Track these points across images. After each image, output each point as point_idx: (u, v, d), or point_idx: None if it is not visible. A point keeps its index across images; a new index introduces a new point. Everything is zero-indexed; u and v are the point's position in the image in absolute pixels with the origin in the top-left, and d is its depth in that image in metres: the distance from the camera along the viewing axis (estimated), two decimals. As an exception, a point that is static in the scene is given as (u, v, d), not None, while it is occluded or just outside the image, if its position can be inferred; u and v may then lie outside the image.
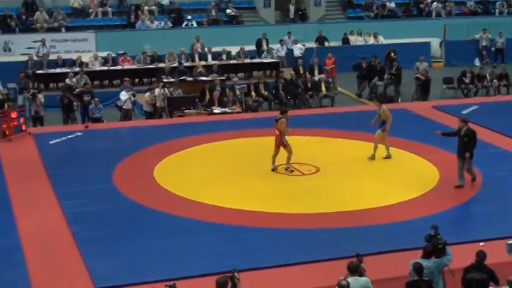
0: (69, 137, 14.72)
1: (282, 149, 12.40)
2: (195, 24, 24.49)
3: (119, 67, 20.80)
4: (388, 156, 12.60)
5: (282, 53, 23.09)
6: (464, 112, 15.63)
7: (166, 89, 17.79)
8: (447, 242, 7.62)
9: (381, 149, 12.97)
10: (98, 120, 16.76)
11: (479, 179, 11.64)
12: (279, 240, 9.59)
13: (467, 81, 20.10)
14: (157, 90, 17.69)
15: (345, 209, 10.60)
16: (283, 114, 12.26)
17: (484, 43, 24.29)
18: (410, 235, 9.39)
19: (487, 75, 20.27)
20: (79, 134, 14.98)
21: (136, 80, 21.03)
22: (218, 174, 12.42)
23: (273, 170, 12.35)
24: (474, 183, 11.41)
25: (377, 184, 11.84)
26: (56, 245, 9.51)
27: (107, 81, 20.93)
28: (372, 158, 12.76)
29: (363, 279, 7.31)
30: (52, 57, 20.79)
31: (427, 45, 23.91)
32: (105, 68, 20.67)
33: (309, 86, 19.74)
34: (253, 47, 22.82)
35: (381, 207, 10.71)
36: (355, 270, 7.28)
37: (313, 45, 23.61)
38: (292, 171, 12.22)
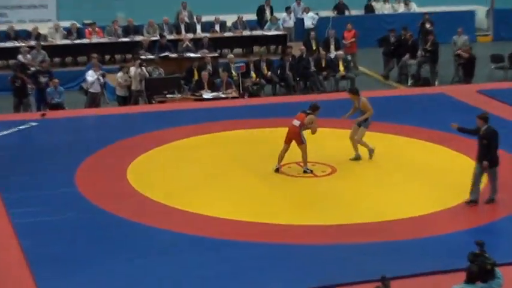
0: (20, 127, 14.70)
1: (292, 145, 12.35)
2: (180, -13, 24.96)
3: (85, 40, 20.76)
4: (357, 157, 12.80)
5: (290, 23, 23.12)
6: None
7: (144, 68, 17.77)
8: (496, 262, 7.51)
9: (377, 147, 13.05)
10: (58, 106, 16.73)
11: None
12: (284, 259, 9.54)
13: (521, 59, 20.41)
14: (132, 70, 17.67)
15: (366, 220, 10.56)
16: (314, 111, 12.40)
17: (542, 12, 24.75)
18: (448, 254, 9.37)
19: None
20: (33, 124, 14.94)
21: (107, 57, 21.01)
22: (209, 175, 12.39)
23: (276, 170, 12.37)
24: (493, 202, 11.04)
25: (406, 188, 11.81)
26: (0, 265, 9.40)
27: (69, 58, 20.85)
28: (357, 158, 12.90)
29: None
30: (1, 27, 20.76)
31: (470, 14, 23.94)
32: (67, 41, 20.63)
33: (323, 65, 19.70)
34: (253, 16, 22.83)
35: (411, 218, 10.65)
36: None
37: (329, 14, 23.61)
38: (311, 171, 12.34)
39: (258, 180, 12.16)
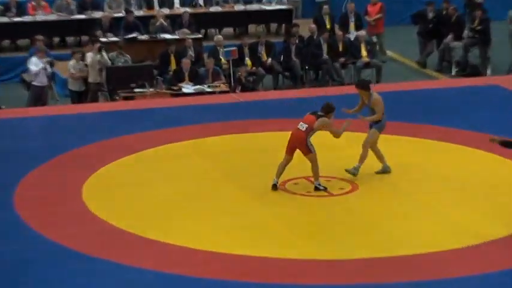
0: None
1: (299, 155, 12.39)
2: None
3: (27, 18, 20.75)
4: (355, 172, 12.75)
5: (296, -5, 23.69)
6: None
7: (104, 53, 17.82)
8: None
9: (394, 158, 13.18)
10: (-9, 105, 17.15)
11: None
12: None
13: None
14: (89, 56, 17.72)
15: (398, 253, 10.47)
16: (328, 113, 12.42)
17: None
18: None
19: None
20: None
21: (56, 40, 21.17)
22: (190, 195, 12.37)
23: (273, 187, 12.36)
24: None
25: (450, 212, 11.76)
26: None
27: (7, 42, 20.98)
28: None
29: None
30: None
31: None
32: (4, 19, 20.63)
33: (340, 48, 19.73)
34: (248, -14, 23.28)
35: (456, 249, 10.57)
36: None
37: (347, -19, 24.22)
38: (325, 189, 12.37)
39: (255, 200, 12.10)
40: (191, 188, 12.56)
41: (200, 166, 13.42)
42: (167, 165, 13.45)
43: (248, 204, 12.02)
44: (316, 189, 12.34)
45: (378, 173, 12.96)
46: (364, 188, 12.50)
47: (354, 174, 12.77)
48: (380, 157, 12.97)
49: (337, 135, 12.55)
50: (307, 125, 12.21)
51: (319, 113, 12.38)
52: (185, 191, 12.45)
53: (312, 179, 12.43)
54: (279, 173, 12.39)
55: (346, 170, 12.76)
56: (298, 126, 12.27)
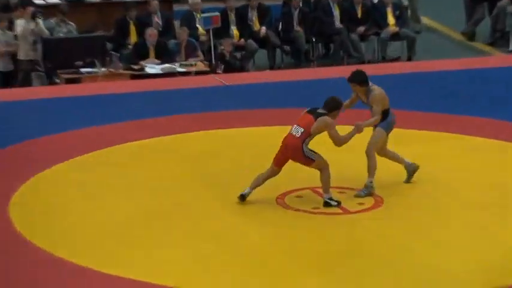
0: None
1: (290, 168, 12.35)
2: None
3: None
4: (367, 193, 12.75)
5: None
6: None
7: (40, 20, 17.85)
8: None
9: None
10: None
11: None
12: None
13: None
14: (20, 25, 17.75)
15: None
16: (332, 111, 12.30)
17: None
18: None
19: None
20: None
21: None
22: (153, 210, 12.26)
23: (241, 197, 12.34)
24: None
25: (499, 232, 11.65)
26: None
27: None
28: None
29: None
30: None
31: None
32: None
33: (359, 14, 19.92)
34: None
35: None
36: None
37: None
38: (338, 204, 12.31)
39: (243, 220, 11.98)
40: (155, 203, 12.40)
41: (168, 173, 13.39)
42: (124, 172, 13.43)
43: (234, 224, 11.87)
44: (327, 204, 12.22)
45: (407, 182, 12.93)
46: (390, 201, 12.33)
47: (368, 195, 12.64)
48: (396, 159, 12.94)
49: (338, 142, 12.33)
50: (303, 129, 12.10)
51: (320, 111, 12.25)
52: (148, 207, 12.29)
53: (321, 191, 12.34)
54: (255, 185, 12.33)
55: (356, 195, 12.61)
56: (292, 131, 12.17)
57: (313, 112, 12.23)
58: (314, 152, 12.18)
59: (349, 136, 12.37)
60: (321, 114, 12.16)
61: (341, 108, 12.38)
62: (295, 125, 12.18)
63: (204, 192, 12.77)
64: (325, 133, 12.23)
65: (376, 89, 12.71)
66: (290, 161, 12.38)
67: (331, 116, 12.20)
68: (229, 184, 12.92)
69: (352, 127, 12.36)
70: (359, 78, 12.72)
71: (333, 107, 12.23)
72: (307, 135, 12.09)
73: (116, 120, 15.35)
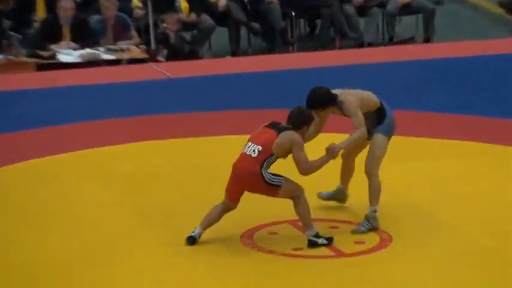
0: None
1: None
2: None
3: None
4: (370, 227, 12.78)
5: None
6: None
7: None
8: None
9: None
10: None
11: None
12: None
13: None
14: None
15: None
16: (301, 125, 11.98)
17: None
18: None
19: None
20: None
21: None
22: (70, 256, 11.80)
23: (189, 239, 12.21)
24: None
25: None
26: None
27: None
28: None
29: None
30: None
31: None
32: None
33: None
34: None
35: None
36: None
37: None
38: (328, 242, 11.96)
39: (194, 267, 11.51)
40: (78, 240, 11.89)
41: (90, 199, 13.07)
42: (23, 199, 13.12)
43: (183, 271, 11.43)
44: (312, 244, 11.54)
45: (323, 198, 12.99)
46: (401, 239, 11.88)
47: (371, 229, 12.30)
48: (345, 174, 12.75)
49: (305, 169, 11.80)
50: (261, 147, 11.65)
51: (283, 125, 11.79)
52: (63, 253, 11.81)
53: (302, 224, 11.76)
54: (208, 223, 11.87)
55: (354, 231, 12.44)
56: (246, 151, 11.68)
57: (274, 126, 11.79)
58: (279, 175, 11.60)
59: (320, 163, 11.85)
60: (286, 129, 11.76)
61: (311, 122, 12.04)
62: (250, 143, 11.73)
63: (141, 230, 12.42)
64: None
65: (345, 95, 12.26)
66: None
67: (300, 133, 11.79)
68: (173, 219, 12.72)
69: (347, 135, 12.08)
70: (320, 101, 12.24)
71: (300, 120, 11.80)
72: (267, 156, 11.64)
73: (17, 128, 15.62)
